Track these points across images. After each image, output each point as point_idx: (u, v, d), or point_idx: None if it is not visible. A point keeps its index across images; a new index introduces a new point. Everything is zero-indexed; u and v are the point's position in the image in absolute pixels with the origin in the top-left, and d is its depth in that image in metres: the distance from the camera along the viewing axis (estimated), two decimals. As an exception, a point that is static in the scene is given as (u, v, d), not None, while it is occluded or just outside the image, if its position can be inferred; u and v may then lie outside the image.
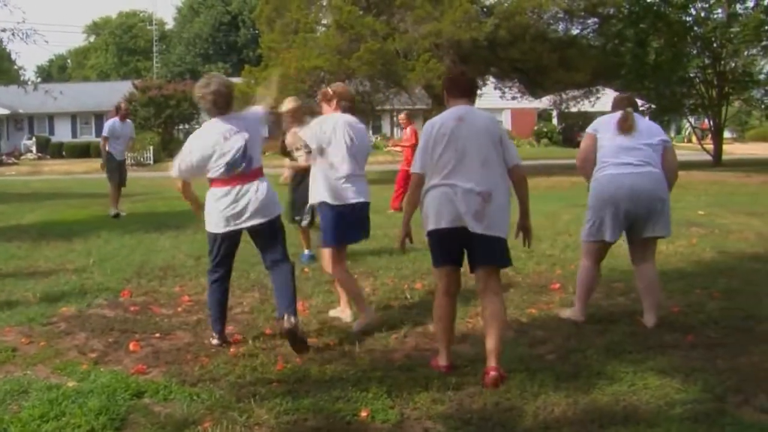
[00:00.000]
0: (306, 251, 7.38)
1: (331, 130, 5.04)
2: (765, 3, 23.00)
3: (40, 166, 35.14)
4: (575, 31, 25.32)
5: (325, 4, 23.73)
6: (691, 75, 24.85)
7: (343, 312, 5.20)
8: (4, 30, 19.70)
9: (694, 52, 24.43)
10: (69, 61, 77.33)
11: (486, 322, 4.01)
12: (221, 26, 62.85)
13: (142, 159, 34.75)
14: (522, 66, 22.95)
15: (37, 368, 4.19)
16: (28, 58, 74.34)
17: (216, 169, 4.45)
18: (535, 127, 44.16)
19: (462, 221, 3.91)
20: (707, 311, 5.14)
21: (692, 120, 31.09)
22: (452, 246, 4.02)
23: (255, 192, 4.48)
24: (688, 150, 32.62)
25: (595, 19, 24.37)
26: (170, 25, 71.93)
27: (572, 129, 41.98)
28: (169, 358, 4.39)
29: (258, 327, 5.03)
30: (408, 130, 12.18)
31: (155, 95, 38.09)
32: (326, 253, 5.17)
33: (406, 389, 3.72)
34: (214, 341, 4.61)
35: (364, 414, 3.44)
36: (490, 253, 3.99)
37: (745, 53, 24.01)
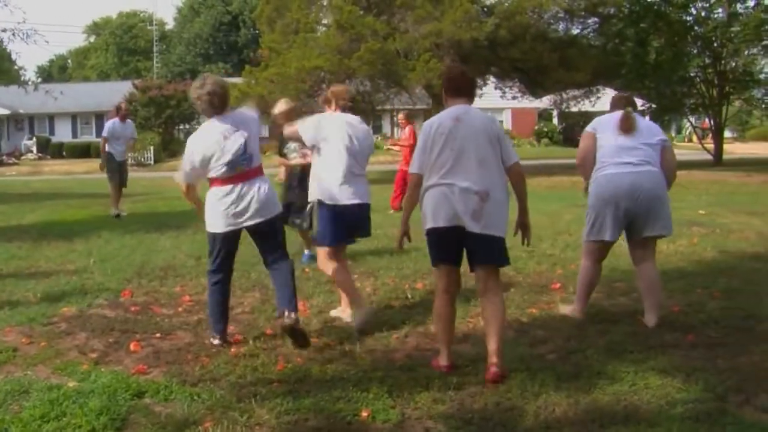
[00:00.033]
0: (306, 251, 7.39)
1: (328, 127, 5.04)
2: (765, 2, 22.99)
3: (41, 167, 35.16)
4: (576, 31, 25.34)
5: (325, 4, 23.73)
6: (692, 74, 24.84)
7: (343, 312, 5.19)
8: (4, 30, 19.72)
9: (695, 51, 24.42)
10: (69, 61, 77.37)
11: (486, 321, 4.02)
12: (222, 26, 62.86)
13: (142, 159, 34.76)
14: (522, 66, 22.94)
15: (37, 368, 4.19)
16: (29, 59, 74.54)
17: (217, 168, 4.45)
18: (536, 127, 44.13)
19: (460, 220, 3.94)
20: (708, 311, 5.15)
21: (693, 119, 31.11)
22: (450, 245, 4.04)
23: (258, 190, 4.49)
24: (688, 149, 32.63)
25: (596, 19, 24.37)
26: (170, 25, 72.08)
27: (573, 129, 41.95)
28: (169, 358, 4.38)
29: (259, 327, 5.03)
30: (407, 129, 12.19)
31: (155, 95, 38.10)
32: (321, 252, 5.18)
33: (407, 389, 3.72)
34: (215, 341, 4.61)
35: (365, 414, 3.44)
36: (489, 253, 4.01)
37: (746, 53, 24.01)
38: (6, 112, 41.46)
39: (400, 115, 12.58)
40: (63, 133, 43.01)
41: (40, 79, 49.03)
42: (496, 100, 29.61)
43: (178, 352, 4.51)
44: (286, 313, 4.40)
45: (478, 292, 4.19)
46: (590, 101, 26.31)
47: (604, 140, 4.95)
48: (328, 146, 5.02)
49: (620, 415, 3.38)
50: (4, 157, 38.35)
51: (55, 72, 73.95)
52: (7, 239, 9.25)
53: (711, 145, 25.74)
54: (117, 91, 36.80)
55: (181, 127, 40.00)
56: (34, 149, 40.85)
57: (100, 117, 39.17)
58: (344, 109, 5.19)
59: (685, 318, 5.00)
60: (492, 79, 25.96)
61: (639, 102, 24.81)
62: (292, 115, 6.58)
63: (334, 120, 5.12)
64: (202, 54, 62.86)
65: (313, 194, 5.12)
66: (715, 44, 23.57)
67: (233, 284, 5.02)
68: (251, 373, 4.07)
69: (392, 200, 12.03)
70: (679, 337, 4.55)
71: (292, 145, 7.20)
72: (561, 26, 24.96)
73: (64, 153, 39.92)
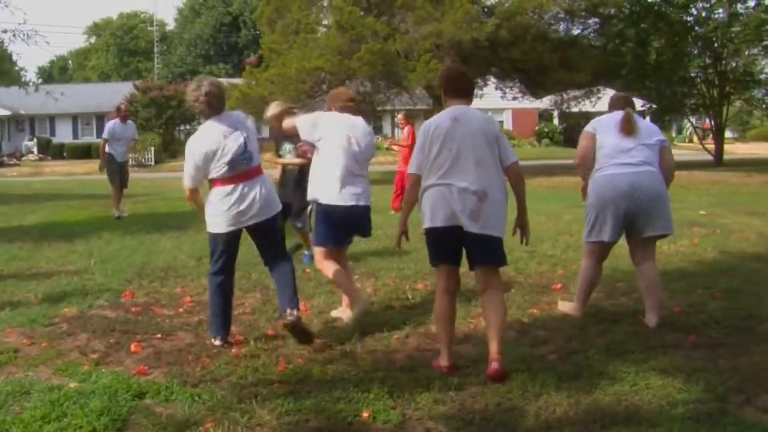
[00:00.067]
0: (306, 252, 7.39)
1: (327, 127, 5.04)
2: (766, 2, 22.99)
3: (42, 167, 35.17)
4: (576, 31, 25.34)
5: (326, 4, 23.73)
6: (692, 75, 24.86)
7: (344, 312, 5.19)
8: (5, 31, 19.77)
9: (695, 51, 24.44)
10: (70, 62, 77.41)
11: (487, 320, 4.04)
12: (222, 27, 62.89)
13: (143, 160, 34.76)
14: (523, 66, 22.94)
15: (38, 369, 4.19)
16: (29, 60, 74.31)
17: (218, 168, 4.46)
18: (536, 128, 44.13)
19: (457, 220, 3.96)
20: (709, 311, 5.14)
21: (693, 120, 31.14)
22: (448, 245, 4.06)
23: (260, 190, 4.52)
24: (689, 150, 32.65)
25: (596, 19, 24.37)
26: (171, 26, 72.14)
27: (573, 129, 41.94)
28: (170, 358, 4.38)
29: (260, 328, 5.03)
30: (406, 130, 12.20)
31: (156, 96, 38.10)
32: (317, 251, 5.20)
33: (408, 390, 3.72)
34: (216, 342, 4.61)
35: (365, 414, 3.44)
36: (487, 253, 4.03)
37: (746, 53, 24.02)
38: (7, 113, 41.49)
39: (399, 116, 12.58)
40: (64, 134, 43.03)
41: (40, 80, 49.12)
42: (497, 101, 29.60)
43: (179, 352, 4.51)
44: (288, 311, 4.43)
45: (478, 292, 4.22)
46: (591, 102, 26.30)
47: (603, 140, 4.95)
48: (327, 146, 5.02)
49: (621, 415, 3.38)
50: (5, 158, 38.36)
51: (56, 73, 73.98)
52: (8, 240, 9.26)
53: (711, 146, 25.75)
54: (118, 92, 36.84)
55: (182, 127, 40.00)
56: (35, 150, 40.87)
57: (100, 118, 39.15)
58: (344, 110, 5.19)
59: (686, 318, 5.00)
60: (492, 79, 25.95)
61: (640, 102, 25.00)
62: (283, 117, 6.57)
63: (334, 119, 5.11)
64: (202, 55, 62.89)
65: (311, 193, 5.14)
66: (716, 44, 23.58)
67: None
68: (252, 373, 4.07)
69: (393, 201, 12.03)
70: (680, 337, 4.55)
71: (287, 146, 7.21)
72: (561, 27, 24.98)
73: (64, 154, 39.94)
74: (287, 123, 5.32)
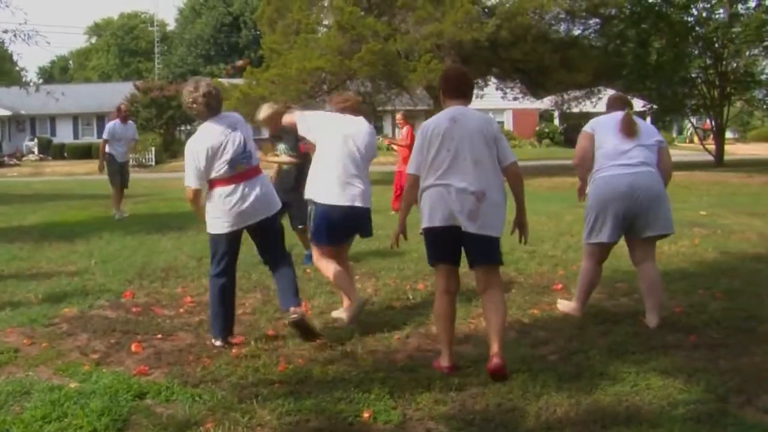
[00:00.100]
0: (306, 252, 7.38)
1: (326, 126, 5.05)
2: (766, 3, 22.98)
3: (42, 168, 35.17)
4: (577, 32, 25.34)
5: (326, 5, 23.74)
6: (693, 75, 24.85)
7: (345, 313, 5.19)
8: (6, 31, 19.81)
9: (696, 52, 24.43)
10: (71, 62, 77.44)
11: (487, 318, 4.05)
12: (223, 27, 62.89)
13: (144, 160, 34.77)
14: (523, 66, 22.95)
15: (39, 369, 4.19)
16: (30, 60, 74.57)
17: (219, 167, 4.46)
18: (537, 128, 44.13)
19: (456, 220, 3.97)
20: (709, 312, 5.14)
21: (694, 120, 31.12)
22: (446, 245, 4.07)
23: (260, 189, 4.54)
24: (689, 150, 32.66)
25: (597, 20, 24.37)
26: (172, 26, 72.14)
27: (574, 129, 41.91)
28: (171, 359, 4.38)
29: (260, 328, 5.02)
30: (404, 130, 12.20)
31: (157, 96, 38.11)
32: (315, 250, 5.21)
33: (409, 390, 3.72)
34: (217, 342, 4.61)
35: (366, 415, 3.44)
36: (486, 253, 4.04)
37: (747, 53, 24.01)
38: (7, 113, 41.50)
39: (398, 116, 12.57)
40: (64, 134, 43.05)
41: (41, 80, 49.07)
42: (497, 101, 29.60)
43: (180, 353, 4.51)
44: (292, 309, 4.46)
45: (479, 292, 4.22)
46: (591, 102, 26.28)
47: (602, 141, 4.95)
48: (326, 146, 5.02)
49: (622, 415, 3.38)
50: (6, 158, 38.37)
51: (57, 73, 74.01)
52: (9, 240, 9.26)
53: (712, 146, 25.74)
54: (118, 92, 36.86)
55: (183, 128, 39.99)
56: (36, 150, 40.88)
57: (101, 118, 39.16)
58: (344, 111, 5.19)
59: (687, 319, 4.99)
60: (493, 80, 25.96)
61: (640, 103, 25.02)
62: (275, 119, 6.55)
63: (334, 119, 5.11)
64: (203, 55, 62.89)
65: (309, 194, 5.14)
66: (717, 45, 23.57)
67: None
68: (253, 374, 4.07)
69: (393, 201, 12.03)
70: (680, 337, 4.55)
71: (281, 146, 7.20)
72: (562, 27, 24.98)
73: (65, 154, 39.95)
74: (287, 118, 5.33)
